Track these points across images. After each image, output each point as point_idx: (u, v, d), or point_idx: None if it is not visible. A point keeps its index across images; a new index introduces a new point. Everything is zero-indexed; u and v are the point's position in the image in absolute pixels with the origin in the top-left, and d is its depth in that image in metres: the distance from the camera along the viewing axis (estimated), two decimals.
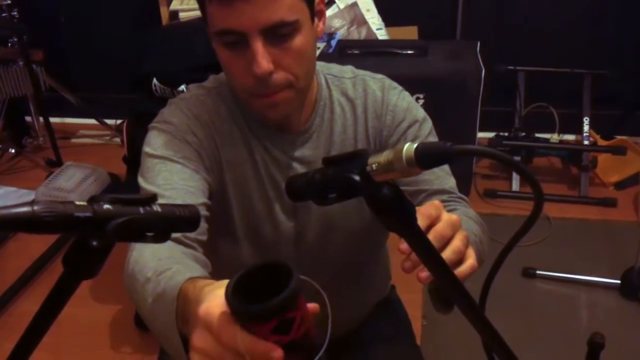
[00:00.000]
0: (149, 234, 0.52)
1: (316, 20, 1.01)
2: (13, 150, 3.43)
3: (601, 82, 3.05)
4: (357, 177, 0.48)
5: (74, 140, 3.66)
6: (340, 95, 1.12)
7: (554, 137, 3.06)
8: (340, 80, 1.13)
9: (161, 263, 0.83)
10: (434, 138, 1.14)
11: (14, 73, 3.07)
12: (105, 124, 3.53)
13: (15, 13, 3.11)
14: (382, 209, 0.51)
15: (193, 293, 0.68)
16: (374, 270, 1.32)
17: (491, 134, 3.07)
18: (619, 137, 3.01)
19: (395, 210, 0.50)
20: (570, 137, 3.21)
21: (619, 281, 2.28)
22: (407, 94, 1.15)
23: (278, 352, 0.53)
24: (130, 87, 2.27)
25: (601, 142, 2.99)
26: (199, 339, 0.58)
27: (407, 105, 1.12)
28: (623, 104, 3.08)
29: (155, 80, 2.28)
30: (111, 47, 3.56)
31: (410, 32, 3.13)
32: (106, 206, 0.50)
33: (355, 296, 1.27)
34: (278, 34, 0.91)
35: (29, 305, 2.34)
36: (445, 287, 0.61)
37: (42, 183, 2.93)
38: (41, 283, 2.47)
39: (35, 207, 0.45)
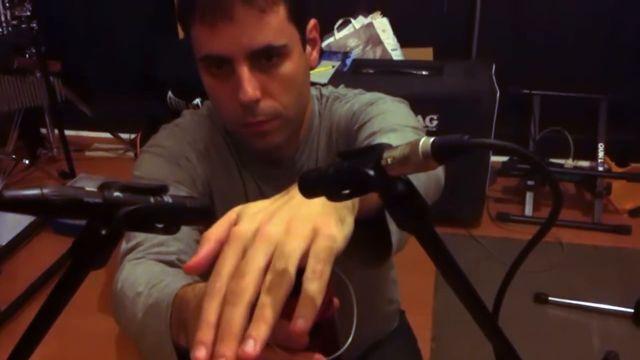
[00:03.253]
0: (158, 225, 0.51)
1: (309, 48, 0.96)
2: (27, 161, 3.44)
3: (617, 108, 3.03)
4: (371, 172, 0.48)
5: (87, 153, 3.68)
6: (327, 121, 1.07)
7: (568, 163, 3.04)
8: (331, 105, 1.08)
9: (154, 276, 0.78)
10: (389, 113, 0.98)
11: (30, 83, 3.09)
12: (120, 137, 3.55)
13: (35, 24, 3.15)
14: (395, 204, 0.50)
15: (192, 294, 0.64)
16: (377, 301, 1.26)
17: (505, 158, 3.05)
18: (633, 164, 2.98)
19: (409, 206, 0.50)
20: (585, 163, 3.19)
21: (632, 310, 2.25)
22: (370, 93, 1.06)
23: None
24: (145, 86, 2.27)
25: (615, 169, 2.97)
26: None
27: (362, 99, 1.03)
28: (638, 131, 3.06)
29: (170, 93, 2.30)
30: (128, 61, 3.59)
31: (425, 54, 3.14)
32: (116, 194, 0.49)
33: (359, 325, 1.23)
34: (265, 59, 0.86)
35: None
36: (460, 296, 0.59)
37: None
38: None
39: (45, 190, 0.45)
